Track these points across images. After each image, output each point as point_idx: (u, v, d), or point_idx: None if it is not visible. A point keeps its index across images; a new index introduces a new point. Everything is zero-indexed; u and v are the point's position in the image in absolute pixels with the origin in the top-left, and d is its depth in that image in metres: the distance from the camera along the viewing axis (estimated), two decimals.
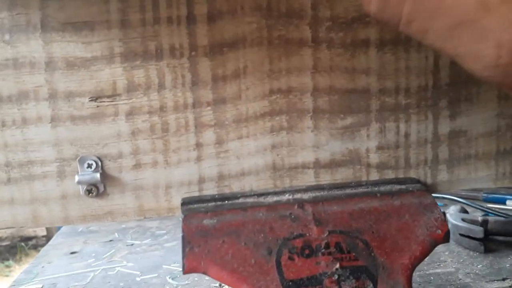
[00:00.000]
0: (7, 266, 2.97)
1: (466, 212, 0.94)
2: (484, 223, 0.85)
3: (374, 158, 0.56)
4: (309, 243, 0.44)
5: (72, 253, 0.96)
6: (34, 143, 0.53)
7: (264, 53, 0.54)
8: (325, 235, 0.45)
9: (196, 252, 0.44)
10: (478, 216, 0.89)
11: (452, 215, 0.89)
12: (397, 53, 0.55)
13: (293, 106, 0.55)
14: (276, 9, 0.53)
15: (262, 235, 0.45)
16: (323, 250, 0.44)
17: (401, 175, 0.55)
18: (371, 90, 0.55)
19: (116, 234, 1.06)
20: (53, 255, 0.95)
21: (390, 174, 0.56)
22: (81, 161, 0.53)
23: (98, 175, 0.53)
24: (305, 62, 0.54)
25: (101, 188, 0.54)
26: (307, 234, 0.45)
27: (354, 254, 0.43)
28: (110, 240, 1.02)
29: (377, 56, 0.55)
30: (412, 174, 0.56)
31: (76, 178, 0.53)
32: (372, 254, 0.44)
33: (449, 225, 0.88)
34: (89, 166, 0.53)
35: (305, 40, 0.54)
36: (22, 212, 0.54)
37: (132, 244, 1.00)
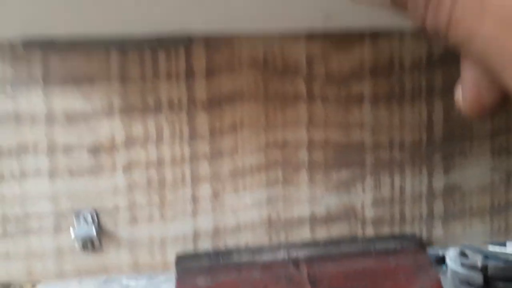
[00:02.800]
0: None
1: (465, 255, 0.93)
2: (484, 269, 0.84)
3: (369, 213, 0.56)
4: None
5: None
6: (32, 197, 0.53)
7: (260, 107, 0.54)
8: None
9: None
10: (478, 260, 0.88)
11: (451, 259, 0.88)
12: (391, 108, 0.56)
13: (289, 159, 0.55)
14: (272, 65, 0.54)
15: None
16: None
17: (396, 230, 0.55)
18: (366, 144, 0.56)
19: (112, 274, 1.04)
20: None
21: (385, 229, 0.56)
22: (77, 215, 0.53)
23: (94, 229, 0.53)
24: (300, 116, 0.55)
25: (97, 243, 0.54)
26: None
27: None
28: (105, 281, 1.01)
29: (371, 111, 0.55)
30: (408, 229, 0.56)
31: (72, 232, 0.53)
32: None
33: (448, 271, 0.88)
34: (85, 220, 0.53)
35: (300, 95, 0.55)
36: (16, 267, 0.53)
37: (127, 286, 0.99)
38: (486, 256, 0.97)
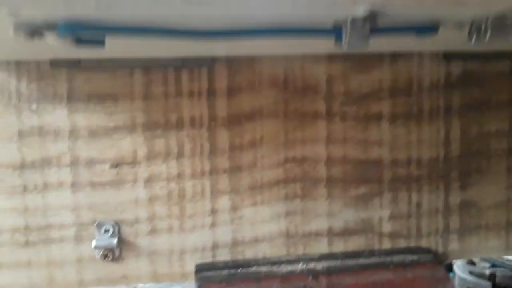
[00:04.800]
0: None
1: (473, 263, 0.95)
2: (492, 277, 0.86)
3: (386, 227, 0.58)
4: None
5: None
6: (54, 208, 0.55)
7: (280, 124, 0.56)
8: None
9: None
10: (486, 268, 0.90)
11: (459, 267, 0.90)
12: (409, 126, 0.58)
13: (307, 174, 0.57)
14: (292, 84, 0.56)
15: None
16: None
17: (413, 244, 0.57)
18: (384, 161, 0.58)
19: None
20: None
21: (402, 243, 0.58)
22: (99, 226, 0.56)
23: (115, 240, 0.55)
24: (319, 133, 0.57)
25: (117, 253, 0.56)
26: None
27: None
28: None
29: (389, 129, 0.57)
30: (424, 243, 0.58)
31: (94, 243, 0.55)
32: None
33: (456, 279, 0.90)
34: (106, 231, 0.56)
35: (319, 113, 0.57)
36: (38, 275, 0.56)
37: None
38: (494, 264, 0.98)
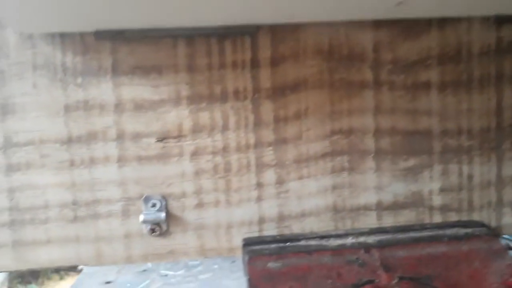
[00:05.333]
0: None
1: None
2: None
3: (437, 200, 0.57)
4: None
5: (107, 283, 0.98)
6: (101, 183, 0.56)
7: (325, 95, 0.56)
8: (395, 281, 0.46)
9: None
10: None
11: None
12: (458, 95, 0.56)
13: (355, 146, 0.56)
14: (337, 52, 0.55)
15: (330, 281, 0.46)
16: None
17: (464, 218, 0.56)
18: (433, 132, 0.56)
19: (149, 264, 1.06)
20: (88, 284, 0.97)
21: (453, 217, 0.56)
22: (146, 200, 0.56)
23: (162, 214, 0.55)
24: (367, 103, 0.56)
25: (164, 227, 0.56)
26: (376, 281, 0.46)
27: None
28: (144, 270, 1.03)
29: (438, 98, 0.56)
30: (476, 217, 0.57)
31: (141, 217, 0.55)
32: None
33: None
34: (154, 205, 0.56)
35: (366, 82, 0.56)
36: (86, 250, 0.56)
37: (166, 275, 1.00)
38: None
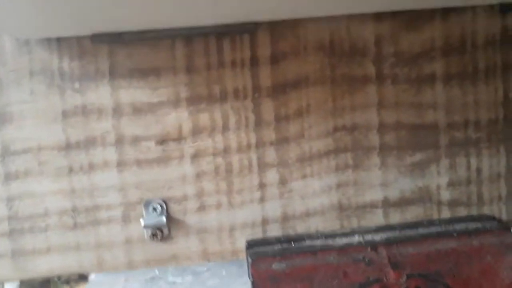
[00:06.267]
0: None
1: None
2: None
3: (445, 195, 0.56)
4: None
5: None
6: (100, 188, 0.55)
7: (327, 91, 0.55)
8: (404, 279, 0.45)
9: None
10: None
11: None
12: (464, 87, 0.56)
13: (359, 143, 0.56)
14: (339, 47, 0.55)
15: (336, 281, 0.46)
16: None
17: (474, 212, 0.55)
18: (440, 125, 0.56)
19: (156, 271, 1.06)
20: None
21: (462, 212, 0.56)
22: (147, 204, 0.56)
23: (163, 218, 0.55)
24: (370, 98, 0.55)
25: (166, 232, 0.56)
26: (384, 279, 0.46)
27: None
28: (152, 278, 1.03)
29: (443, 91, 0.55)
30: (486, 210, 0.56)
31: (142, 222, 0.55)
32: None
33: None
34: (154, 209, 0.56)
35: (369, 76, 0.55)
36: (87, 257, 0.56)
37: (174, 283, 1.00)
38: None
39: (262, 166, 0.56)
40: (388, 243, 0.49)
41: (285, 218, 0.56)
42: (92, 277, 1.12)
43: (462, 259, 0.47)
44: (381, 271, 0.46)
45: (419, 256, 0.47)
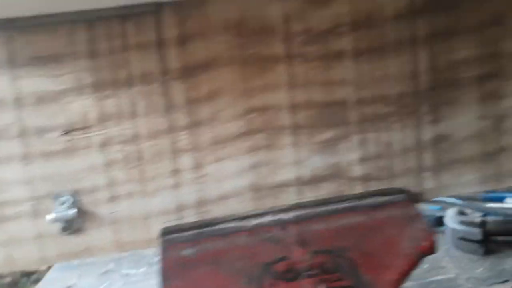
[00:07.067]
0: None
1: (464, 214, 0.95)
2: (482, 224, 0.86)
3: (357, 171, 0.57)
4: (293, 266, 0.45)
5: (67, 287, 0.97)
6: (6, 183, 0.54)
7: (237, 72, 0.55)
8: (309, 256, 0.46)
9: (174, 286, 0.44)
10: (476, 217, 0.90)
11: (450, 218, 0.90)
12: (373, 62, 0.56)
13: (271, 123, 0.56)
14: (247, 27, 0.54)
15: (242, 262, 0.46)
16: (308, 272, 0.44)
17: (385, 186, 0.56)
18: (349, 101, 0.56)
19: (111, 264, 1.05)
20: None
21: (374, 186, 0.57)
22: (56, 198, 0.54)
23: (73, 211, 0.54)
24: (280, 78, 0.55)
25: (77, 225, 0.55)
26: (290, 257, 0.46)
27: (339, 274, 0.44)
28: (105, 272, 1.02)
29: (353, 66, 0.56)
30: (397, 183, 0.57)
31: (51, 216, 0.53)
32: (358, 272, 0.44)
33: (448, 230, 0.89)
34: (64, 202, 0.54)
35: (279, 56, 0.55)
36: None
37: (127, 274, 1.00)
38: (485, 213, 0.98)
39: (175, 152, 0.55)
40: (298, 221, 0.50)
41: (200, 203, 0.56)
42: (46, 275, 1.11)
43: (367, 233, 0.48)
44: (287, 249, 0.47)
45: (327, 232, 0.48)
